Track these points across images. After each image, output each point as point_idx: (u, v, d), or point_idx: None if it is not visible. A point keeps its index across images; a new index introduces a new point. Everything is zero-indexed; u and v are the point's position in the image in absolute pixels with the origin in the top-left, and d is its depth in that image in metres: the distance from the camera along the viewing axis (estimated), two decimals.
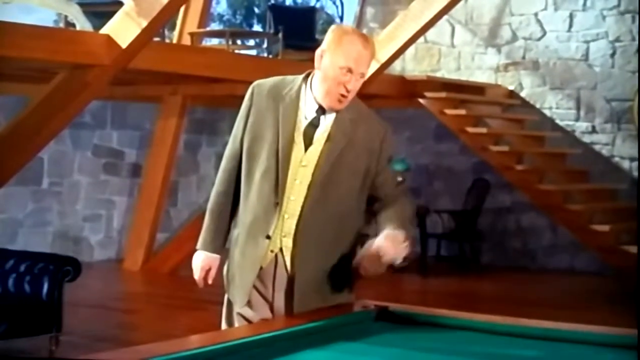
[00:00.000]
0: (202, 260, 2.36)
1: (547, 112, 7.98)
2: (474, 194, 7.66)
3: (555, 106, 7.97)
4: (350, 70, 2.18)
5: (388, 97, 7.32)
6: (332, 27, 2.27)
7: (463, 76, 8.15)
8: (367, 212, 2.34)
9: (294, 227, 2.23)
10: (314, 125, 2.24)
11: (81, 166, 7.84)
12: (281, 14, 8.38)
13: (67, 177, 7.72)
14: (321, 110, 2.23)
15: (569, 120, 7.91)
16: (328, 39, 2.22)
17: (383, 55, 6.57)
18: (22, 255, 4.62)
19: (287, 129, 2.23)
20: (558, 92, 7.95)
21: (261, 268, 2.27)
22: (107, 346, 4.94)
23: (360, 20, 9.38)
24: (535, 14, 8.05)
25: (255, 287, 2.27)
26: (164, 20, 5.50)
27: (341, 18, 10.37)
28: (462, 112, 7.01)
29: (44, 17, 7.01)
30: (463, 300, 6.13)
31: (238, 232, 2.31)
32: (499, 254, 8.06)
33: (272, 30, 7.67)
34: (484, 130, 7.17)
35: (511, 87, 8.12)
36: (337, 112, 2.23)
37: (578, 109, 7.87)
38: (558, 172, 7.43)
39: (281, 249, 2.26)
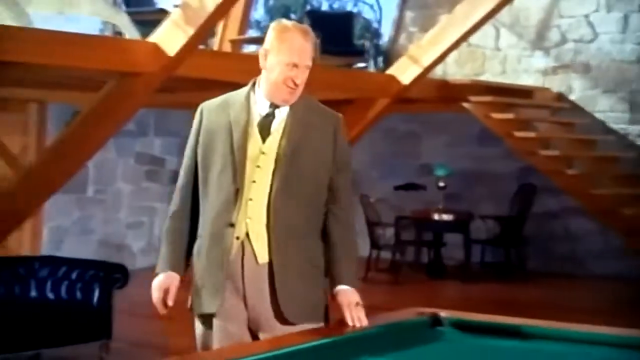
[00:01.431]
0: (159, 281, 2.26)
1: (599, 116, 7.83)
2: (520, 199, 7.54)
3: (607, 109, 7.82)
4: (295, 65, 2.23)
5: (428, 101, 7.26)
6: (272, 24, 2.30)
7: (509, 79, 8.06)
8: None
9: (262, 211, 2.21)
10: (270, 116, 2.27)
11: (124, 174, 7.91)
12: (318, 19, 8.36)
13: (111, 184, 7.80)
14: (274, 106, 2.28)
15: (622, 124, 7.77)
16: (270, 38, 2.26)
17: (426, 60, 6.52)
18: (74, 263, 4.67)
19: (240, 125, 2.26)
20: (611, 95, 7.80)
21: (227, 259, 2.20)
22: (151, 353, 4.97)
23: (399, 24, 9.33)
24: (586, 16, 7.90)
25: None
26: (209, 28, 5.52)
27: (379, 22, 10.32)
28: (510, 116, 6.90)
29: (89, 26, 7.07)
30: (507, 307, 6.03)
31: (199, 242, 2.26)
32: (545, 260, 7.93)
33: None
34: (532, 134, 7.05)
35: (560, 91, 7.99)
36: (292, 104, 2.28)
37: (632, 111, 7.72)
38: (611, 176, 7.27)
39: (247, 235, 2.21)
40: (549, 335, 2.18)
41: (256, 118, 2.27)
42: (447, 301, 6.68)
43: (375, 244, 7.41)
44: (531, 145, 6.98)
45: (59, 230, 7.30)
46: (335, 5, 11.74)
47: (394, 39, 9.37)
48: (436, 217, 7.33)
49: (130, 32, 5.55)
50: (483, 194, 8.25)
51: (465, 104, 7.10)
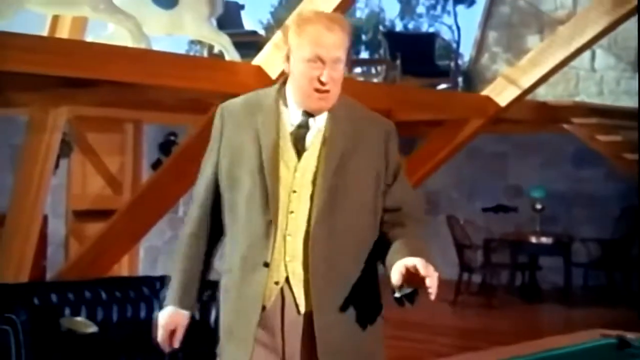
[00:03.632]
0: (166, 317, 1.97)
1: None
2: (625, 222, 7.34)
3: None
4: (320, 59, 1.86)
5: (525, 122, 7.14)
6: (294, 16, 1.98)
7: (607, 101, 7.94)
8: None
9: (301, 248, 1.84)
10: (303, 127, 1.91)
11: None
12: (397, 40, 8.35)
13: None
14: (308, 114, 1.92)
15: None
16: (289, 34, 1.91)
17: (525, 81, 6.42)
18: None
19: (270, 137, 1.90)
20: None
21: (264, 309, 1.86)
22: None
23: (481, 44, 9.26)
24: None
25: (257, 337, 1.86)
26: None
27: (457, 43, 10.30)
28: (617, 138, 6.73)
29: (173, 45, 7.18)
30: (615, 329, 5.83)
31: (228, 278, 1.92)
32: None
33: (387, 57, 7.67)
34: None
35: None
36: (330, 110, 1.92)
37: None
38: None
39: (287, 280, 1.86)
40: None
41: (288, 129, 1.91)
42: (548, 325, 6.52)
43: (465, 267, 7.29)
44: None
45: (153, 250, 7.39)
46: (410, 26, 11.77)
47: (476, 59, 9.31)
48: (533, 239, 7.18)
49: (232, 54, 5.60)
50: (581, 217, 8.07)
51: (566, 126, 6.96)
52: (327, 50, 1.86)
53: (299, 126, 1.91)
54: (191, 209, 2.00)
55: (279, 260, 1.85)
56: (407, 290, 1.73)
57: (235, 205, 1.90)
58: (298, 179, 1.88)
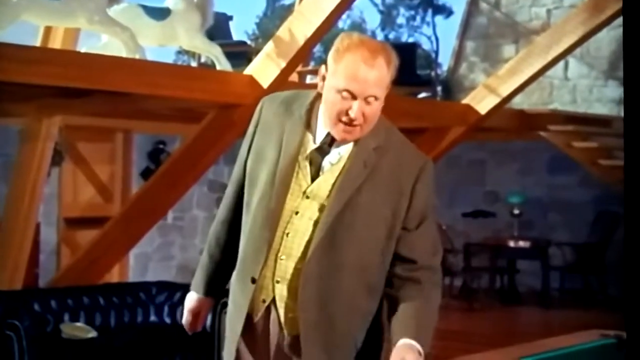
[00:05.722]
0: (190, 301, 2.00)
1: None
2: (599, 227, 7.58)
3: None
4: (352, 95, 1.73)
5: (504, 130, 7.37)
6: (340, 35, 1.79)
7: (580, 109, 8.18)
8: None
9: (290, 272, 1.78)
10: (323, 151, 1.81)
11: (199, 201, 8.10)
12: None
13: (188, 211, 8.00)
14: (331, 137, 1.81)
15: None
16: (330, 54, 1.78)
17: (504, 90, 6.65)
18: (188, 288, 4.79)
19: (290, 149, 1.80)
20: None
21: (253, 321, 1.84)
22: None
23: (459, 54, 9.50)
24: None
25: (248, 349, 1.86)
26: (300, 60, 5.70)
27: (436, 53, 10.54)
28: (593, 144, 6.98)
29: (159, 55, 7.28)
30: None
31: (232, 280, 1.91)
32: None
33: None
34: (620, 162, 7.10)
35: None
36: (356, 140, 1.79)
37: None
38: None
39: (274, 300, 1.81)
40: None
41: (310, 145, 1.81)
42: (529, 327, 6.72)
43: (446, 271, 7.49)
44: (619, 173, 7.04)
45: (143, 256, 7.48)
46: (391, 36, 12.00)
47: (454, 69, 9.54)
48: (511, 244, 7.39)
49: (223, 64, 5.74)
50: (557, 221, 8.29)
51: (542, 133, 7.19)
52: (361, 88, 1.72)
53: (320, 147, 1.81)
54: (225, 196, 1.97)
55: (269, 279, 1.81)
56: None
57: (250, 203, 1.85)
58: (305, 203, 1.80)
